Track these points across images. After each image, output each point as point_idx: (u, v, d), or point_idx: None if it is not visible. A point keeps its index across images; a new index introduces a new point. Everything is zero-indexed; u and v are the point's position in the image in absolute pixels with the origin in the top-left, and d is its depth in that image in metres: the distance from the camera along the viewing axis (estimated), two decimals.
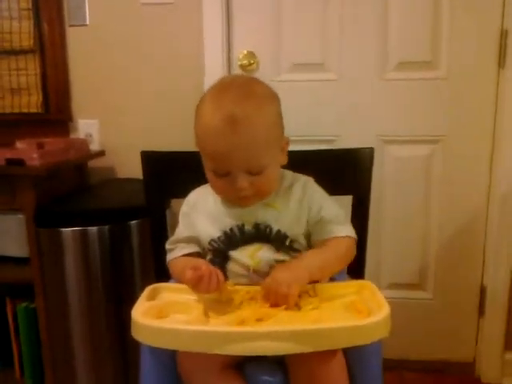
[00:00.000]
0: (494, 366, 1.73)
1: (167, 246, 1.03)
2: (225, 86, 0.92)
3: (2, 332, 1.64)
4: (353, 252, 0.97)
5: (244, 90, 0.89)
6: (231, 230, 0.95)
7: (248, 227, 0.94)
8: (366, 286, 0.90)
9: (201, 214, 0.99)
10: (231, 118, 0.84)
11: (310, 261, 0.91)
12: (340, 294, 0.89)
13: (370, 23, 1.66)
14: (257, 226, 0.93)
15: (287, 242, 0.94)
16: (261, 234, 0.93)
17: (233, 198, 0.93)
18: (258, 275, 0.93)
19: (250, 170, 0.88)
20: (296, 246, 0.95)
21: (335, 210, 0.97)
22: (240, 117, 0.84)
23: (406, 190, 1.74)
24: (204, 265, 0.85)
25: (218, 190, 0.95)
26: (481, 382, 1.74)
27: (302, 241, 0.96)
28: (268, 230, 0.93)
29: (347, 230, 0.96)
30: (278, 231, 0.94)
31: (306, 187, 0.98)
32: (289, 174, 1.00)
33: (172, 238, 1.03)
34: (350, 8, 1.66)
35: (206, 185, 1.02)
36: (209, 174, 0.93)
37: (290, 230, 0.94)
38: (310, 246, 0.97)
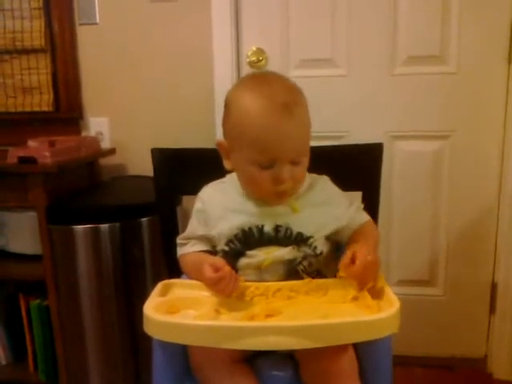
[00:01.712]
0: (506, 363, 1.72)
1: (178, 241, 1.03)
2: (261, 80, 0.92)
3: (16, 328, 1.66)
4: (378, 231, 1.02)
5: (283, 81, 0.92)
6: (250, 229, 0.93)
7: (268, 229, 0.93)
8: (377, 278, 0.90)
9: (217, 212, 0.97)
10: (286, 105, 0.85)
11: (370, 244, 0.91)
12: (350, 288, 0.88)
13: (378, 18, 1.66)
14: (277, 228, 0.93)
15: (308, 244, 0.93)
16: (280, 238, 0.93)
17: (270, 194, 0.91)
18: (269, 273, 0.93)
19: (296, 159, 0.89)
20: (318, 248, 0.94)
21: (350, 202, 1.00)
22: (293, 104, 0.86)
23: (416, 185, 1.73)
24: (226, 266, 0.84)
25: (256, 186, 0.91)
26: (492, 378, 1.73)
27: (323, 242, 0.95)
28: (288, 232, 0.93)
29: (366, 215, 1.00)
30: (298, 234, 0.93)
31: (326, 188, 0.99)
32: (307, 174, 0.99)
33: (184, 234, 1.03)
34: (359, 3, 1.65)
35: (220, 181, 1.02)
36: (250, 169, 0.89)
37: (311, 232, 0.93)
38: (332, 244, 0.98)
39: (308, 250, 0.93)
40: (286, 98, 0.87)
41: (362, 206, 1.03)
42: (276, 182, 0.88)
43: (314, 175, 1.00)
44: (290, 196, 0.93)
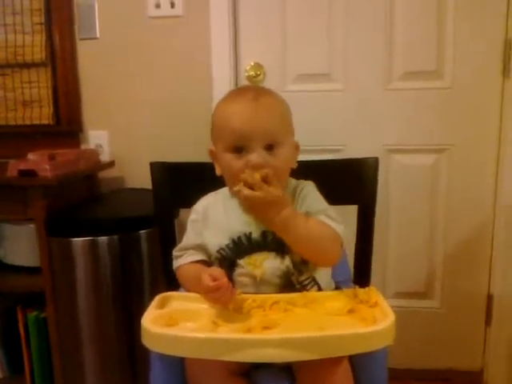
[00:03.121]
0: (502, 376, 1.72)
1: (174, 253, 1.04)
2: (241, 89, 1.05)
3: (13, 340, 1.66)
4: (336, 249, 0.94)
5: (257, 86, 1.04)
6: (239, 238, 0.96)
7: (255, 235, 0.95)
8: (371, 292, 0.91)
9: (210, 222, 1.01)
10: (252, 96, 0.94)
11: (300, 215, 0.93)
12: (345, 301, 0.90)
13: (375, 33, 1.68)
14: (264, 234, 0.95)
15: None
16: (268, 243, 0.95)
17: None
18: (265, 285, 0.94)
19: (267, 142, 0.92)
20: None
21: (325, 207, 0.97)
22: (259, 95, 0.95)
23: (413, 198, 1.75)
24: (224, 277, 0.86)
25: (234, 174, 0.93)
26: None
27: None
28: (276, 237, 0.94)
29: (337, 226, 0.94)
30: None
31: (303, 188, 1.00)
32: (292, 180, 1.03)
33: (180, 245, 1.04)
34: (355, 18, 1.68)
35: (214, 192, 1.05)
36: (227, 158, 0.94)
37: None
38: None
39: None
40: (254, 92, 0.96)
41: (341, 223, 0.97)
42: (249, 165, 0.91)
43: (301, 180, 1.03)
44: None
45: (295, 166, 1.00)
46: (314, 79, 1.74)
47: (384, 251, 1.77)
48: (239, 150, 0.93)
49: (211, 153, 1.02)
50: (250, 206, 0.92)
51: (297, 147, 1.01)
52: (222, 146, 0.96)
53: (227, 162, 0.95)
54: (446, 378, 1.79)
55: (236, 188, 0.89)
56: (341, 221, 0.96)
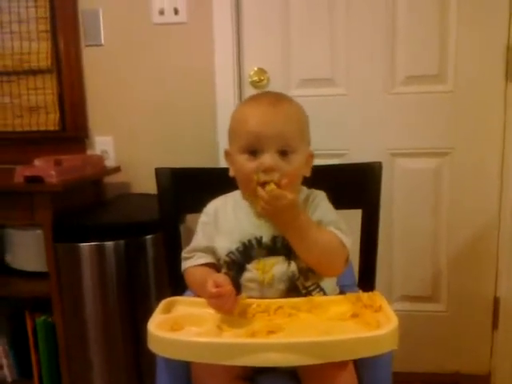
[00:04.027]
0: (510, 379, 1.71)
1: (183, 255, 1.04)
2: (261, 94, 1.08)
3: (22, 345, 1.67)
4: (341, 261, 0.96)
5: (276, 92, 1.04)
6: (249, 241, 0.96)
7: (266, 240, 0.96)
8: (374, 296, 0.91)
9: (220, 225, 1.01)
10: (270, 101, 0.96)
11: (312, 221, 0.95)
12: (349, 306, 0.90)
13: (377, 38, 1.69)
14: (274, 238, 0.95)
15: None
16: (277, 248, 0.95)
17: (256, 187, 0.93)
18: (270, 289, 0.95)
19: (281, 147, 0.93)
20: None
21: (336, 218, 0.98)
22: (277, 101, 0.97)
23: (416, 202, 1.75)
24: (228, 285, 0.86)
25: (246, 181, 0.95)
26: None
27: None
28: (285, 242, 0.95)
29: (346, 239, 0.95)
30: None
31: (315, 198, 1.01)
32: (304, 188, 1.03)
33: (189, 247, 1.05)
34: (358, 23, 1.69)
35: (225, 195, 1.06)
36: (240, 160, 0.95)
37: None
38: None
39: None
40: (273, 97, 0.98)
41: (350, 236, 0.98)
42: (260, 167, 0.91)
43: (313, 190, 1.04)
44: None
45: (308, 174, 1.01)
46: (317, 84, 1.74)
47: (389, 255, 1.77)
48: (253, 152, 0.94)
49: (226, 153, 1.03)
50: (268, 210, 0.91)
51: (311, 156, 1.02)
52: (236, 147, 0.96)
53: (240, 163, 0.95)
54: (453, 381, 1.78)
55: (258, 190, 0.90)
56: (349, 233, 0.97)
